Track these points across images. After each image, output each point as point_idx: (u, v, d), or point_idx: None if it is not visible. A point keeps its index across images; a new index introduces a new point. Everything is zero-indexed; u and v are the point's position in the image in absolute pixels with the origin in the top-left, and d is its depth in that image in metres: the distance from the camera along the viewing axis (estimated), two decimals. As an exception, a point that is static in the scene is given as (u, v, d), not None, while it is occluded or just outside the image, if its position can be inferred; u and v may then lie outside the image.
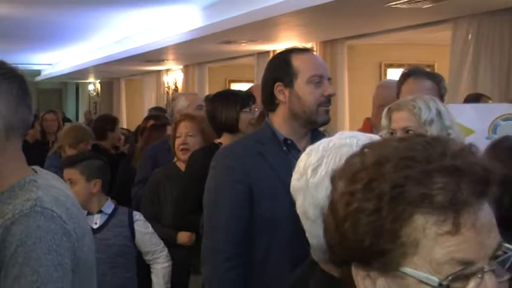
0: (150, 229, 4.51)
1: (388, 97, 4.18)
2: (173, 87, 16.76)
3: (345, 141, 1.85)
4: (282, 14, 8.73)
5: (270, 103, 3.25)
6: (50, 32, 14.30)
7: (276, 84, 3.19)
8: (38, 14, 11.86)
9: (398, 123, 3.28)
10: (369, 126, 4.52)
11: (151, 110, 10.00)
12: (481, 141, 3.47)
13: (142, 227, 4.48)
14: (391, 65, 11.57)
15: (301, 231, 1.95)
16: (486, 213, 1.23)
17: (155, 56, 14.26)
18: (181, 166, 5.09)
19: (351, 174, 1.27)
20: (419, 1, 7.56)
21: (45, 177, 2.13)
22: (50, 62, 21.80)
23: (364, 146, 1.32)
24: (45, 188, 2.05)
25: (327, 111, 3.25)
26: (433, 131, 3.19)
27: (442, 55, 9.98)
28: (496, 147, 2.76)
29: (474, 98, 6.80)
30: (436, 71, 11.24)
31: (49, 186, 2.06)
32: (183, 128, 5.09)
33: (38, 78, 24.35)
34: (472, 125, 4.80)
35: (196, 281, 4.56)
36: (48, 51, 18.71)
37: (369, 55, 11.39)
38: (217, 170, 3.26)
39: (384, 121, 3.37)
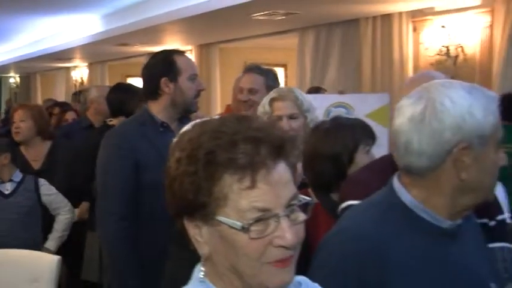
0: (54, 191, 4.41)
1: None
2: (80, 81, 16.45)
3: None
4: (166, 22, 8.71)
5: (154, 93, 3.22)
6: (-24, 34, 13.79)
7: (163, 79, 3.17)
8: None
9: (284, 110, 3.24)
10: (230, 111, 4.55)
11: (45, 101, 9.95)
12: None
13: (46, 190, 4.38)
14: (254, 64, 11.64)
15: None
16: (281, 172, 1.24)
17: (64, 55, 13.91)
18: (23, 149, 4.95)
19: (181, 145, 1.28)
20: (273, 14, 7.65)
21: None
22: (-24, 59, 21.01)
23: (194, 124, 1.33)
24: None
25: (197, 102, 3.31)
26: (311, 117, 3.23)
27: (292, 57, 10.10)
28: (317, 128, 2.81)
29: (315, 89, 6.95)
30: (287, 69, 11.50)
31: None
32: (17, 115, 4.94)
33: (-33, 73, 23.44)
34: (311, 110, 4.95)
35: (93, 236, 4.53)
36: (-25, 50, 18.04)
37: (236, 56, 11.39)
38: (108, 147, 3.22)
39: (266, 108, 3.34)
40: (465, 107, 1.61)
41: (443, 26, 6.91)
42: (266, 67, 4.23)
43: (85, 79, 16.16)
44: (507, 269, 1.36)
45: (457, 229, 1.70)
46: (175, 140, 1.35)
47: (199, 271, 1.31)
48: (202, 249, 1.28)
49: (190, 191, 1.23)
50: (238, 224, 1.21)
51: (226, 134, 1.24)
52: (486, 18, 6.56)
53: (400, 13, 7.26)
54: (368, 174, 2.34)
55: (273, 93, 3.36)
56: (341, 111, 5.09)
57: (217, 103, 10.73)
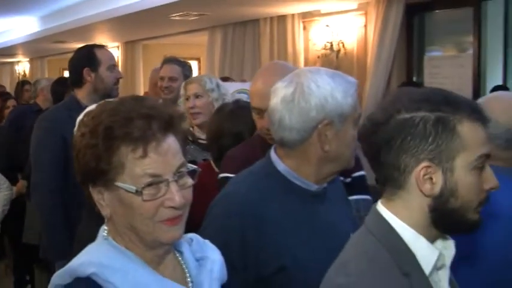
0: None
1: (157, 78, 4.22)
2: (22, 74, 15.98)
3: None
4: (97, 22, 8.55)
5: (78, 82, 3.20)
6: None
7: (85, 69, 3.17)
8: None
9: (191, 91, 3.30)
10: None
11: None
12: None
13: None
14: (172, 59, 11.52)
15: None
16: (170, 143, 1.25)
17: (8, 51, 13.48)
18: None
19: (85, 122, 1.27)
20: (187, 15, 7.60)
21: None
22: None
23: (98, 104, 1.32)
24: None
25: (118, 88, 3.31)
26: (214, 96, 3.25)
27: (205, 51, 9.98)
28: (222, 109, 2.81)
29: (223, 79, 6.90)
30: (201, 62, 11.41)
31: None
32: None
33: None
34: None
35: (32, 206, 4.41)
36: None
37: (157, 51, 11.12)
38: (40, 128, 3.19)
39: (182, 90, 3.41)
40: (328, 90, 1.63)
41: (327, 26, 7.02)
42: (182, 59, 4.23)
43: (27, 72, 15.75)
44: (362, 218, 1.40)
45: (323, 191, 1.74)
46: (80, 117, 1.32)
47: (103, 230, 1.31)
48: (105, 211, 1.27)
49: (93, 161, 1.22)
50: (133, 188, 1.21)
51: (123, 111, 1.23)
52: (361, 20, 6.69)
53: (293, 14, 7.33)
54: (242, 150, 2.34)
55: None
56: (243, 96, 5.09)
57: (140, 92, 10.55)
